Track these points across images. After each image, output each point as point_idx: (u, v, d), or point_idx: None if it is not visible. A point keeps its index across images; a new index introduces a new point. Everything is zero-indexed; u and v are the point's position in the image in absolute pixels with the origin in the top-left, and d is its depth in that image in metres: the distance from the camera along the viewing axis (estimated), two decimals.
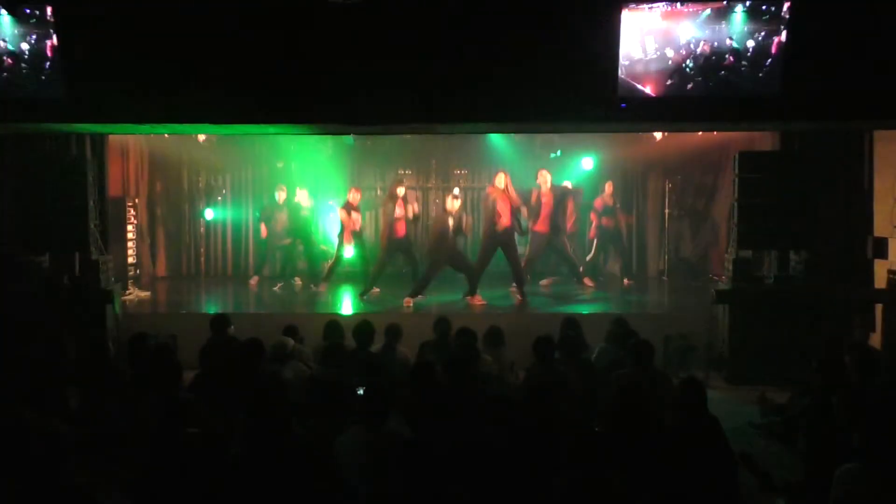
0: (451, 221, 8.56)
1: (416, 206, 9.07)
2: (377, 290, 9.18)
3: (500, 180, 8.65)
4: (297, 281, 10.20)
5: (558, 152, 11.09)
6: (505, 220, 8.56)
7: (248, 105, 6.24)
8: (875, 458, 3.17)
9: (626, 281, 10.34)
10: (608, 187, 10.24)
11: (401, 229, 8.97)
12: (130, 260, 10.08)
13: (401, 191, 8.99)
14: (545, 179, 9.34)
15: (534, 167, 9.77)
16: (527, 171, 9.85)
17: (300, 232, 10.04)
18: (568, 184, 10.14)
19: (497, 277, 9.50)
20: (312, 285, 9.82)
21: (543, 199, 9.31)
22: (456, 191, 9.46)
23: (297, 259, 10.33)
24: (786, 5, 5.71)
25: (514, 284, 8.92)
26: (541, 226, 9.38)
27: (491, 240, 8.70)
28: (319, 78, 6.02)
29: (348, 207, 9.35)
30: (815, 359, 5.36)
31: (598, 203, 10.23)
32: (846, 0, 5.85)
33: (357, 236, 9.42)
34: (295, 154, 11.10)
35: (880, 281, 7.37)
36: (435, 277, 8.72)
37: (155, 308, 9.06)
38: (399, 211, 8.93)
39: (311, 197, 10.41)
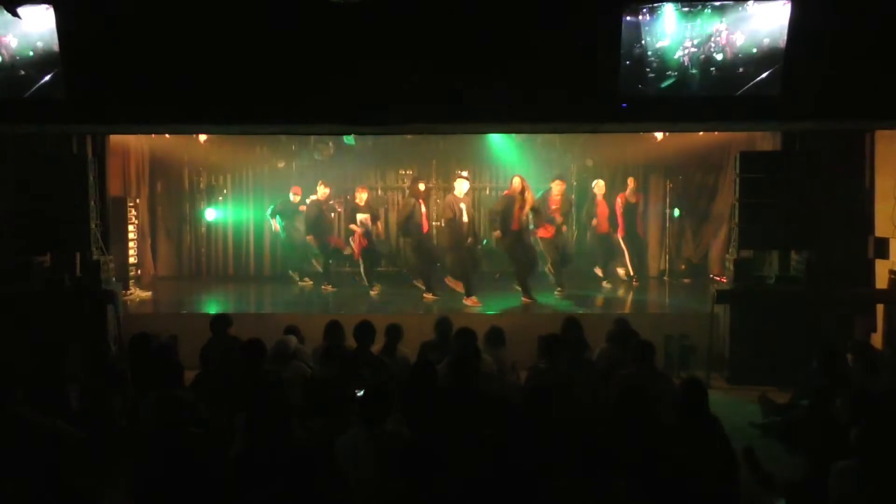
0: (462, 207, 8.60)
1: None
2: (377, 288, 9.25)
3: (517, 183, 8.59)
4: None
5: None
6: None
7: (248, 105, 6.24)
8: (875, 457, 3.17)
9: (634, 282, 10.34)
10: (630, 183, 10.21)
11: (425, 226, 9.09)
12: (131, 260, 10.07)
13: (422, 186, 9.11)
14: (560, 189, 9.27)
15: (536, 167, 9.77)
16: (527, 172, 9.85)
17: (320, 230, 10.05)
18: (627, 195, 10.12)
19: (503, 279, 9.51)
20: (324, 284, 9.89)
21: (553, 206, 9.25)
22: (464, 173, 9.28)
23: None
24: (786, 5, 5.71)
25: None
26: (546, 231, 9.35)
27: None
28: (319, 78, 6.01)
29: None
30: (815, 359, 5.38)
31: (621, 199, 10.17)
32: (846, 0, 5.84)
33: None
34: (295, 154, 11.11)
35: (881, 281, 7.36)
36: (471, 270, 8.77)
37: (156, 308, 9.08)
38: (424, 208, 9.03)
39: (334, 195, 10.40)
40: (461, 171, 9.63)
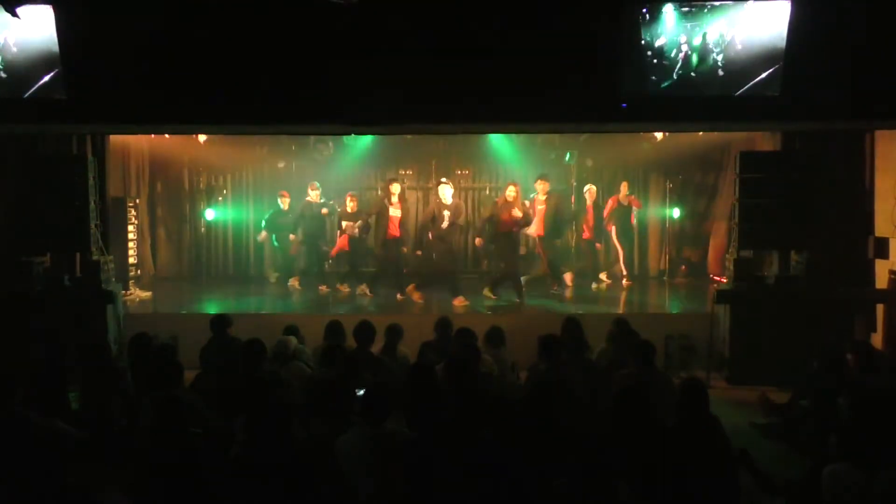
0: (446, 214, 8.62)
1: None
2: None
3: (511, 192, 8.61)
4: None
5: (567, 156, 11.08)
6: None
7: (248, 105, 6.23)
8: (872, 458, 3.17)
9: (625, 282, 10.34)
10: (623, 187, 10.21)
11: (394, 229, 9.02)
12: (131, 260, 10.08)
13: (396, 188, 9.06)
14: (543, 188, 9.23)
15: (535, 167, 9.73)
16: (527, 171, 9.86)
17: (315, 231, 10.03)
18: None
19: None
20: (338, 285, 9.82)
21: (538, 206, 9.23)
22: (444, 179, 9.23)
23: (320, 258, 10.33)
24: (786, 5, 5.71)
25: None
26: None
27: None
28: (319, 78, 6.02)
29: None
30: (815, 359, 5.38)
31: (612, 202, 10.17)
32: (846, 0, 5.84)
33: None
34: (295, 154, 11.10)
35: (881, 281, 7.36)
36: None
37: (156, 308, 9.08)
38: (395, 211, 8.97)
39: (323, 196, 10.33)
40: (442, 178, 9.59)
